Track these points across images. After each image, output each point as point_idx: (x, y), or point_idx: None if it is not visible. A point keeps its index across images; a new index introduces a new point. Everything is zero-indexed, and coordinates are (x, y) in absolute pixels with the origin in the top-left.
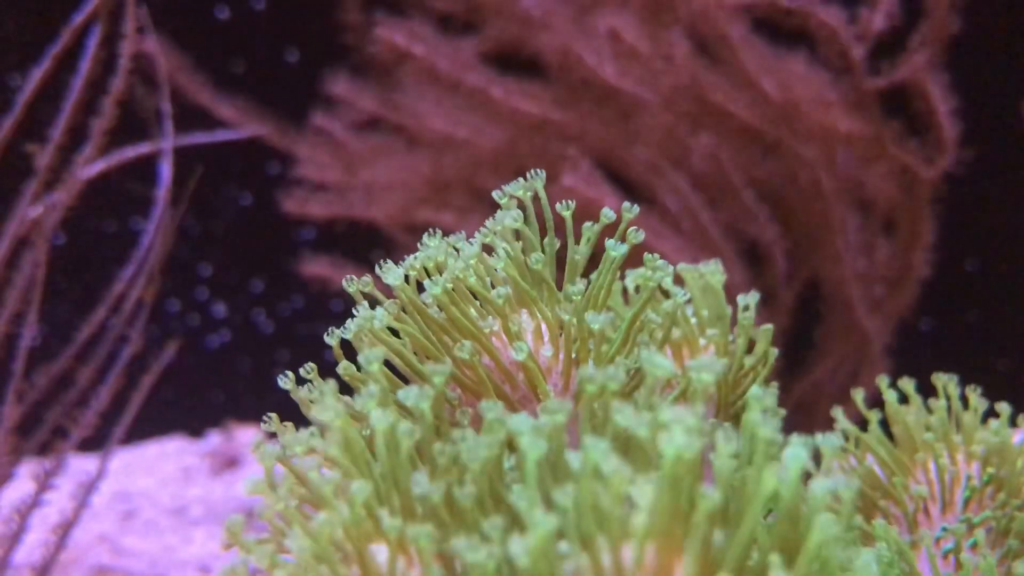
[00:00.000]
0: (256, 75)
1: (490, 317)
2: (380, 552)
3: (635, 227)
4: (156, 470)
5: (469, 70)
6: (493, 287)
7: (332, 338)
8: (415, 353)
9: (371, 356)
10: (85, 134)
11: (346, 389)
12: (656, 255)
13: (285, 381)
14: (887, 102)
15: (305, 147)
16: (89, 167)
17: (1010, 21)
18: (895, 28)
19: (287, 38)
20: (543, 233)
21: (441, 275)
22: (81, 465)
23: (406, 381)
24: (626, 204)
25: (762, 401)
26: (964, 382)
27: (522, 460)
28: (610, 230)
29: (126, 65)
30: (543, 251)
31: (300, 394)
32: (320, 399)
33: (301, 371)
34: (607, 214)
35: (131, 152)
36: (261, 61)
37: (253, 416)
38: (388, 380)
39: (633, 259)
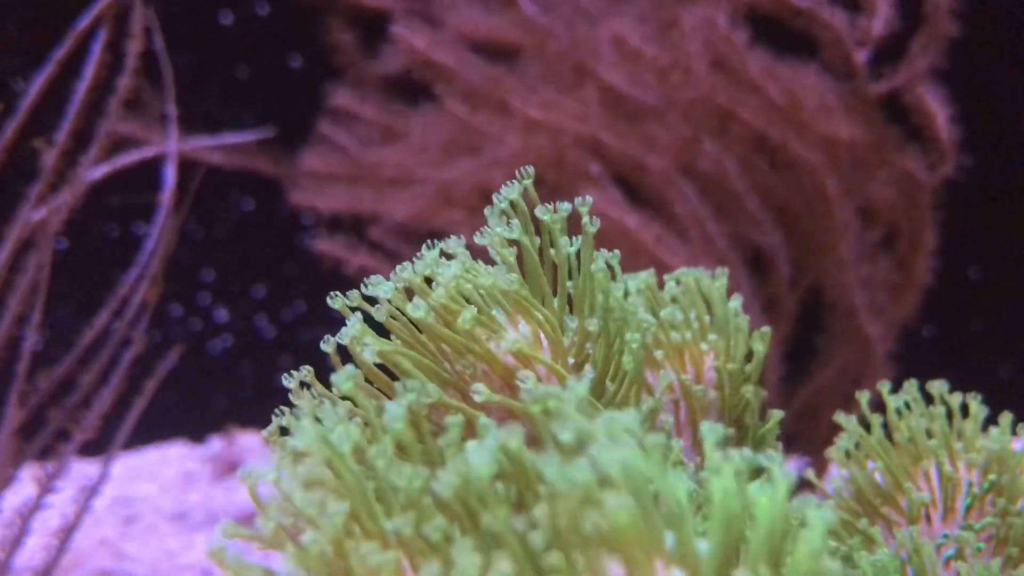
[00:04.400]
0: (259, 86)
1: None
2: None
3: (590, 216)
4: (157, 475)
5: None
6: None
7: (328, 345)
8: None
9: (345, 375)
10: (89, 138)
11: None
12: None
13: (289, 381)
14: (888, 108)
15: (311, 156)
16: (93, 170)
17: (1011, 26)
18: (896, 34)
19: (289, 47)
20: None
21: (431, 287)
22: (83, 469)
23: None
24: (578, 199)
25: (715, 432)
26: (967, 389)
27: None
28: (614, 239)
29: (132, 64)
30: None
31: (296, 402)
32: (297, 423)
33: (299, 374)
34: (565, 207)
35: (135, 156)
36: (264, 71)
37: (255, 421)
38: (387, 388)
39: (635, 265)
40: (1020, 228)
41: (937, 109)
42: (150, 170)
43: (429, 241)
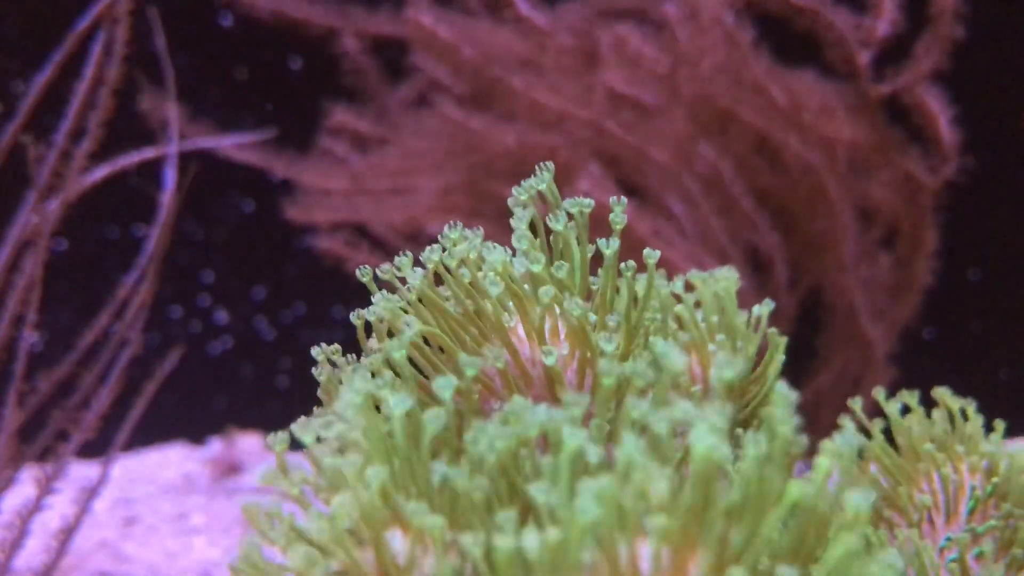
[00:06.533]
0: (259, 90)
1: (505, 314)
2: (394, 538)
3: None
4: (157, 477)
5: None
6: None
7: (357, 319)
8: (430, 347)
9: (397, 344)
10: (91, 140)
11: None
12: (655, 251)
13: (319, 353)
14: (890, 109)
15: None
16: (93, 172)
17: (1013, 28)
18: (899, 36)
19: (289, 51)
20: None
21: (463, 271)
22: (82, 471)
23: (424, 375)
24: (613, 199)
25: (787, 398)
26: (967, 392)
27: (557, 452)
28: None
29: (121, 52)
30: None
31: (323, 379)
32: (348, 381)
33: (330, 355)
34: (586, 203)
35: (135, 157)
36: (264, 73)
37: (255, 423)
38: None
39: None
40: (1020, 230)
41: (939, 111)
42: (151, 170)
43: (451, 222)
